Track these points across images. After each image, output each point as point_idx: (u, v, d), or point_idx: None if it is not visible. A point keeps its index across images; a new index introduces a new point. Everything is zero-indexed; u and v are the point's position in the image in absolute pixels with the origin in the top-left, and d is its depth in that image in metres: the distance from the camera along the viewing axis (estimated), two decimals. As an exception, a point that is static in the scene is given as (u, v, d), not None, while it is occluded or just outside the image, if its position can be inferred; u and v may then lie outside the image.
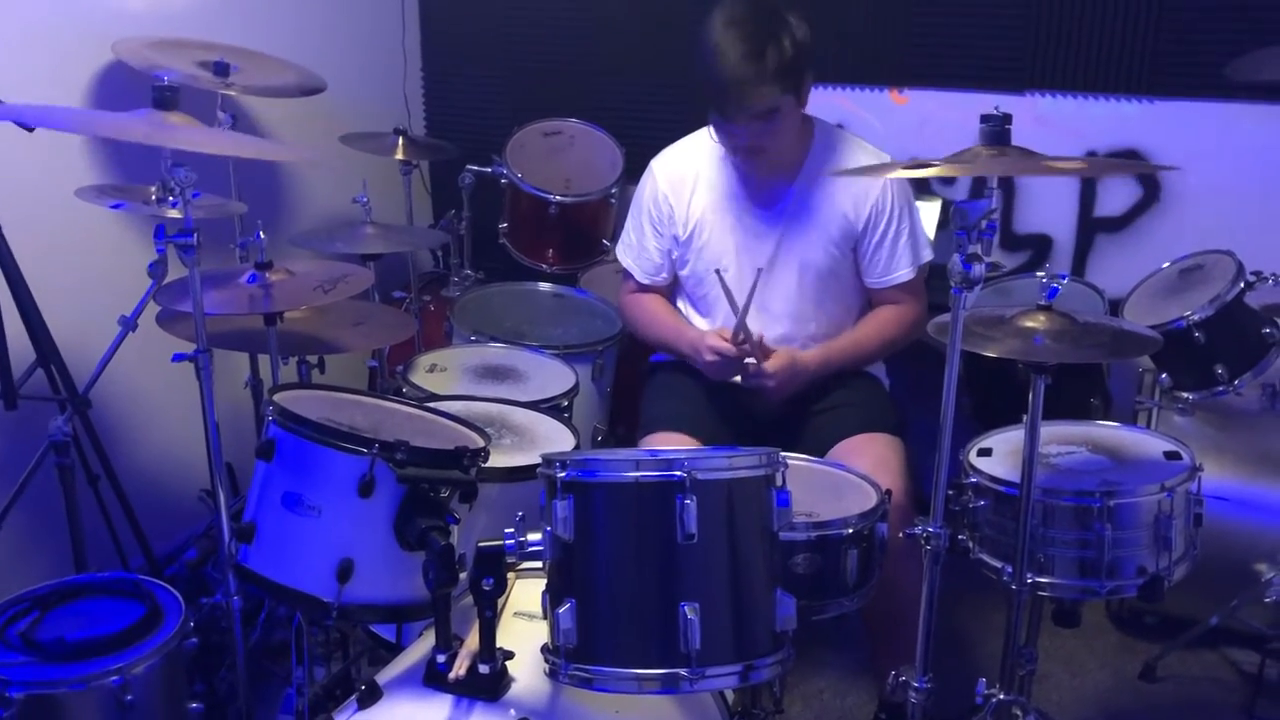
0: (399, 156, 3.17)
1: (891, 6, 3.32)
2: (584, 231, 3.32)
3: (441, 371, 2.63)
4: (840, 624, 2.81)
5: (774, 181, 2.40)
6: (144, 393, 2.90)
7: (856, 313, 2.53)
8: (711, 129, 2.38)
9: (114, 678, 1.80)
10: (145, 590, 2.01)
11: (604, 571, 1.50)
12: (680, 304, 2.60)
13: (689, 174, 2.46)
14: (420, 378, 2.57)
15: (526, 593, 1.80)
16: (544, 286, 3.21)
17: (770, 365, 2.28)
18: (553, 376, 2.63)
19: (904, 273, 2.41)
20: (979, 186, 3.24)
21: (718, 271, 2.31)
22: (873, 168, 2.25)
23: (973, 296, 1.56)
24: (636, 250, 2.57)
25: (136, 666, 1.84)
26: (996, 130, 1.57)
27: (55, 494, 2.32)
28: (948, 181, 3.29)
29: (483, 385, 2.58)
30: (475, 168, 3.36)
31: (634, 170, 2.66)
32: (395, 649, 2.10)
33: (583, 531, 1.49)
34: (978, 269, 1.53)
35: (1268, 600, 2.46)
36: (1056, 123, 3.18)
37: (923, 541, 1.72)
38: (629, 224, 2.59)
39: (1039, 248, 3.32)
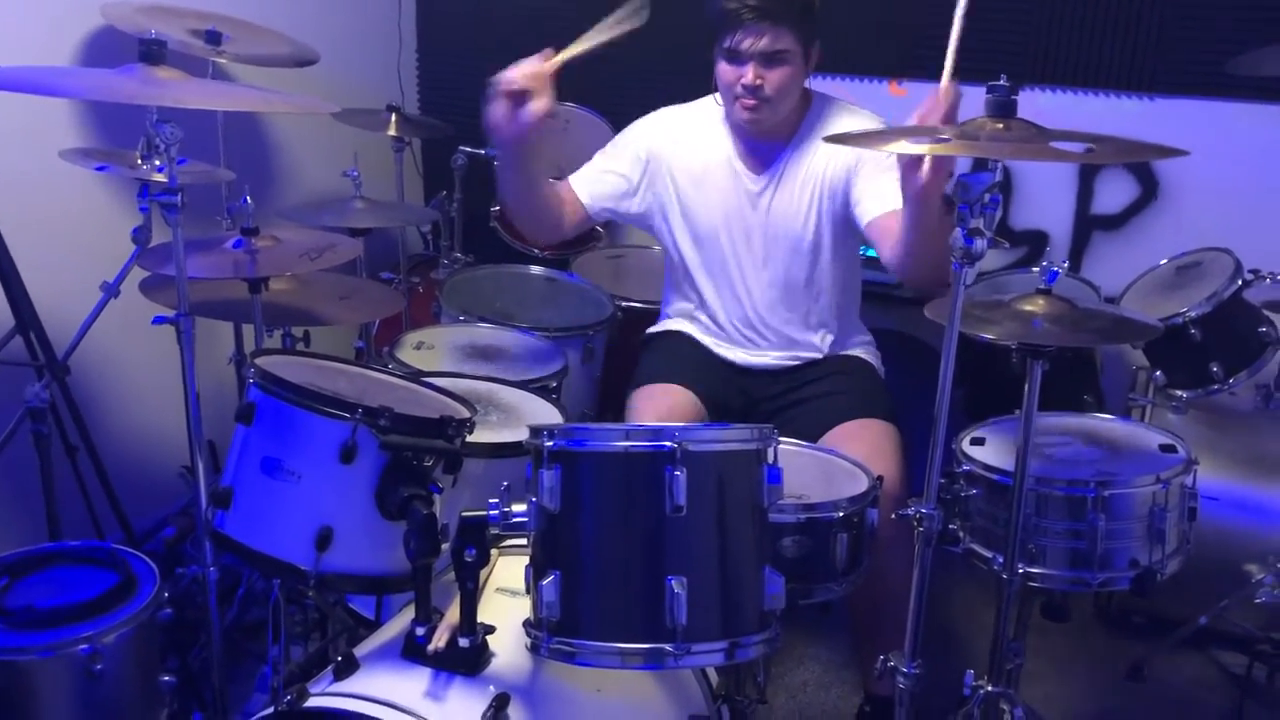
0: (391, 133, 3.13)
1: (890, -3, 3.31)
2: (577, 217, 3.27)
3: (429, 350, 2.59)
4: (824, 619, 2.79)
5: (767, 146, 2.38)
6: (125, 363, 2.86)
7: (854, 290, 2.53)
8: (716, 76, 2.32)
9: (83, 646, 1.76)
10: (119, 559, 1.97)
11: (590, 543, 1.47)
12: (678, 286, 2.58)
13: (692, 135, 2.45)
14: (407, 355, 2.53)
15: (510, 569, 1.77)
16: (535, 269, 3.17)
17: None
18: (541, 358, 2.60)
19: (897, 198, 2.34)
20: (981, 160, 3.22)
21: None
22: (868, 136, 2.15)
23: (973, 272, 1.52)
24: (596, 167, 2.51)
25: (107, 635, 1.80)
26: (1002, 100, 1.54)
27: (31, 463, 2.28)
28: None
29: (470, 364, 2.53)
30: (468, 149, 3.32)
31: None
32: (375, 627, 2.06)
33: (569, 502, 1.46)
34: (979, 244, 1.49)
35: (1258, 601, 2.43)
36: (1055, 118, 3.14)
37: (915, 522, 1.68)
38: (600, 152, 2.54)
39: (1035, 244, 3.30)
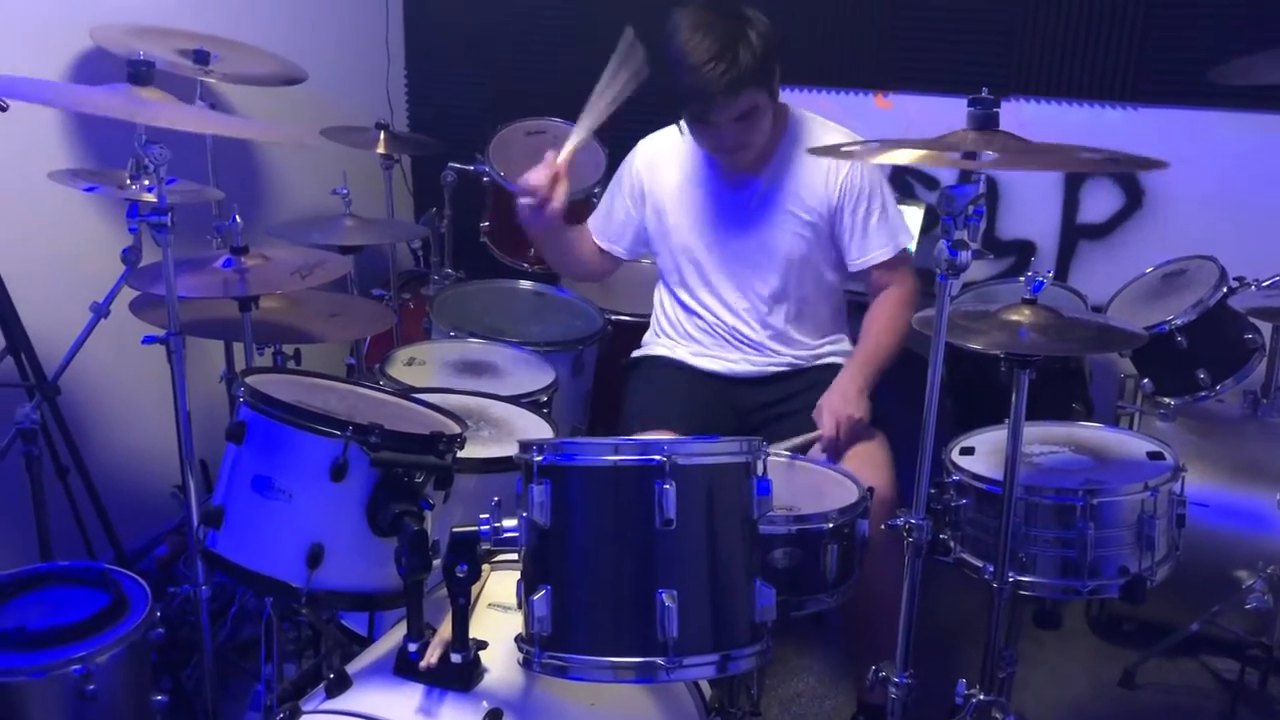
0: (380, 151, 3.14)
1: (875, 10, 3.33)
2: (566, 231, 3.28)
3: (420, 365, 2.60)
4: (818, 629, 2.80)
5: (745, 169, 2.40)
6: (116, 383, 2.85)
7: (835, 300, 2.55)
8: (687, 131, 2.36)
9: (75, 667, 1.76)
10: (111, 579, 1.96)
11: (580, 558, 1.47)
12: (664, 300, 2.61)
13: (666, 156, 2.50)
14: (398, 371, 2.54)
15: (501, 584, 1.77)
16: (525, 284, 3.18)
17: (826, 426, 2.24)
18: (532, 373, 2.60)
19: (880, 253, 2.38)
20: (966, 172, 3.25)
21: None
22: (842, 148, 2.14)
23: (958, 284, 1.54)
24: (602, 213, 2.63)
25: (99, 656, 1.79)
26: (985, 114, 1.55)
27: (21, 484, 2.27)
28: (931, 186, 3.28)
29: (461, 380, 2.54)
30: (457, 165, 3.34)
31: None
32: (368, 644, 2.06)
33: (559, 517, 1.46)
34: (964, 255, 1.50)
35: (1248, 607, 2.44)
36: (1039, 129, 3.18)
37: (905, 533, 1.69)
38: (604, 196, 2.65)
39: (1022, 254, 3.32)
